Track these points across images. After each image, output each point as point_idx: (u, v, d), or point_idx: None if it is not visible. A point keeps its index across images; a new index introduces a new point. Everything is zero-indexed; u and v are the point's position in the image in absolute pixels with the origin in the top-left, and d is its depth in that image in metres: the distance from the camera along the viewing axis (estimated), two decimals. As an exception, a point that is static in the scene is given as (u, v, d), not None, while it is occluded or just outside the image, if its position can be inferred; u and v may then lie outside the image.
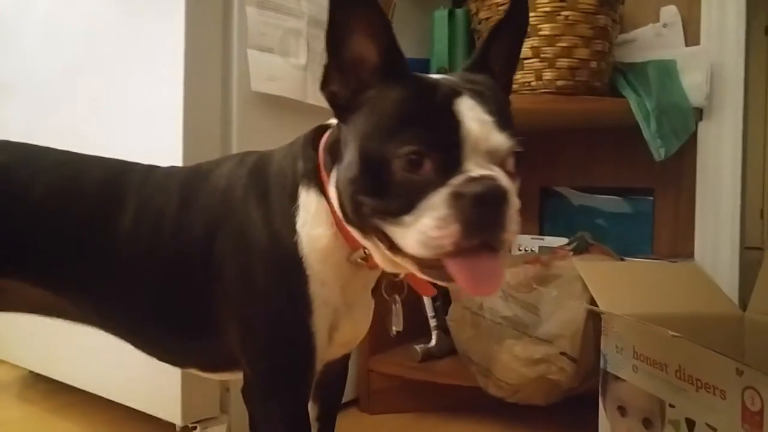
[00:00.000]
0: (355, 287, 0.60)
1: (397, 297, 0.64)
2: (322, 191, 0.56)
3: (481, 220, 0.46)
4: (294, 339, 0.57)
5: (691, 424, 0.70)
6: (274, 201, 0.58)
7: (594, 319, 0.92)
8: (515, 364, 0.97)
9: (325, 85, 0.53)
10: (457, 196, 0.45)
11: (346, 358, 0.69)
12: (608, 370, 0.87)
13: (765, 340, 0.86)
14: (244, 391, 0.60)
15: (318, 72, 0.53)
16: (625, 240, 1.21)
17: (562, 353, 0.94)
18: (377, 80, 0.51)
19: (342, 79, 0.52)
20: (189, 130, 0.88)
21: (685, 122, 1.04)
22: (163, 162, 0.69)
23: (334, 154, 0.54)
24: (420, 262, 0.49)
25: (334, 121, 0.59)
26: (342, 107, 0.53)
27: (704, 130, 1.06)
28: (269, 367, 0.58)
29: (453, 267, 0.47)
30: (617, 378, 0.84)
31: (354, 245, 0.56)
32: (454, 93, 0.49)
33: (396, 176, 0.47)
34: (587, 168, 1.29)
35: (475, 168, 0.47)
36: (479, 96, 0.49)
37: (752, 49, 1.08)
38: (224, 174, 0.62)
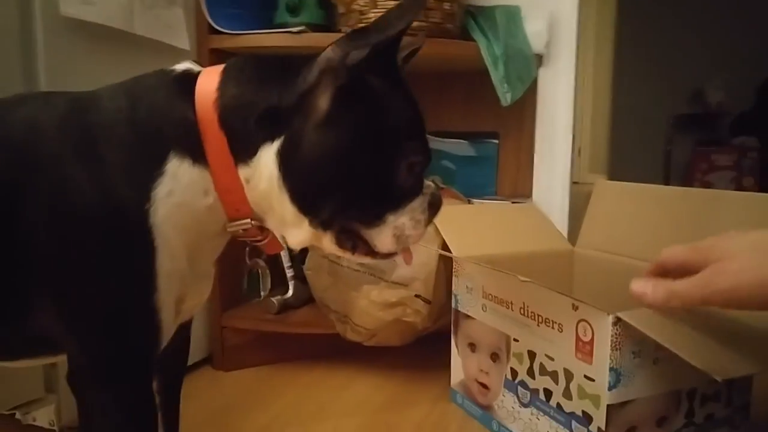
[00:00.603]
0: (207, 255, 0.54)
1: (261, 261, 0.59)
2: (201, 157, 0.48)
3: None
4: (136, 318, 0.49)
5: (532, 355, 0.75)
6: (114, 160, 0.47)
7: (445, 261, 0.94)
8: (372, 309, 0.97)
9: (354, 46, 0.47)
10: (430, 203, 0.54)
11: (187, 324, 0.62)
12: (459, 309, 0.90)
13: (590, 272, 0.95)
14: (72, 378, 0.50)
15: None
16: (471, 182, 1.25)
17: (417, 296, 0.95)
18: (372, 71, 0.49)
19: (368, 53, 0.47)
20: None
21: (529, 68, 1.07)
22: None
23: (268, 121, 0.48)
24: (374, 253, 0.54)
25: (200, 67, 0.51)
26: (349, 82, 0.48)
27: (543, 76, 1.10)
28: (107, 351, 0.49)
29: (405, 255, 0.56)
30: (468, 316, 0.88)
31: (236, 215, 0.51)
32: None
33: (399, 178, 0.51)
34: (437, 112, 1.29)
35: (427, 179, 0.55)
36: None
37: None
38: (21, 120, 0.49)
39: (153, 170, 0.48)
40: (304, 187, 0.49)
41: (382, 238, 0.52)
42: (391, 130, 0.50)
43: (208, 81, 0.50)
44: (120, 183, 0.47)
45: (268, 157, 0.48)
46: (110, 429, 0.50)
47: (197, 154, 0.48)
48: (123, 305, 0.48)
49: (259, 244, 0.55)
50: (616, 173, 1.14)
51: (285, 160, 0.48)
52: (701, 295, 0.50)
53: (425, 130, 0.53)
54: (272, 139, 0.48)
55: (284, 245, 0.57)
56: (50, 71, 0.75)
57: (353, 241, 0.52)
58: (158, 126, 0.48)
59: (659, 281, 0.53)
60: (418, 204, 0.52)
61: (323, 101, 0.48)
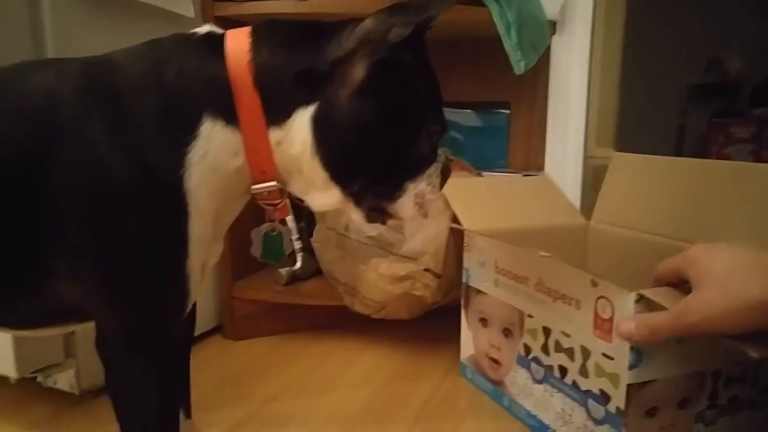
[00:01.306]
0: (227, 218, 0.52)
1: (287, 221, 0.57)
2: (233, 118, 0.46)
3: None
4: (169, 283, 0.47)
5: (547, 332, 0.70)
6: (143, 125, 0.44)
7: (456, 234, 0.88)
8: (381, 282, 0.92)
9: (394, 16, 0.45)
10: (443, 169, 0.54)
11: None
12: (471, 284, 0.85)
13: (605, 247, 0.90)
14: (102, 345, 0.49)
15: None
16: (481, 153, 1.19)
17: (426, 269, 0.90)
18: (406, 46, 0.47)
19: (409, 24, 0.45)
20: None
21: (542, 35, 1.00)
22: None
23: (303, 83, 0.46)
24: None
25: (222, 30, 0.49)
26: (387, 53, 0.46)
27: (557, 43, 1.03)
28: (140, 317, 0.47)
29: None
30: (479, 291, 0.83)
31: (261, 177, 0.49)
32: None
33: (420, 146, 0.51)
34: (445, 81, 1.21)
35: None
36: None
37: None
38: (36, 88, 0.45)
39: (186, 134, 0.45)
40: (338, 155, 0.48)
41: (406, 207, 0.52)
42: (417, 102, 0.50)
43: (239, 42, 0.47)
44: (151, 148, 0.45)
45: (302, 121, 0.47)
46: (141, 393, 0.48)
47: (229, 115, 0.46)
48: (157, 272, 0.46)
49: (275, 207, 0.53)
50: (625, 147, 1.07)
51: (320, 127, 0.47)
52: (677, 329, 0.52)
53: (442, 100, 0.53)
54: (307, 104, 0.47)
55: (290, 212, 0.55)
56: (57, 39, 0.72)
57: (382, 217, 0.54)
58: (190, 88, 0.46)
59: (641, 318, 0.55)
60: (434, 170, 0.53)
61: (359, 71, 0.46)
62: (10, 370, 0.76)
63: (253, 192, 0.50)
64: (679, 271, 0.54)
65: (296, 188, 0.52)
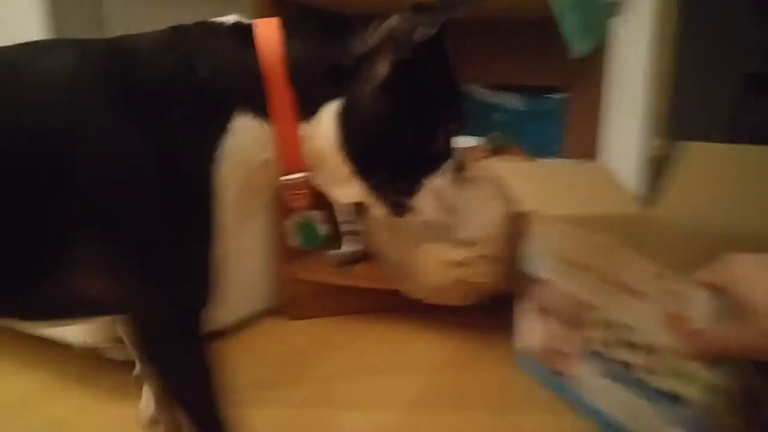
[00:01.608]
0: (250, 209, 0.52)
1: (311, 212, 0.56)
2: (264, 112, 0.46)
3: None
4: (200, 272, 0.47)
5: (611, 324, 0.67)
6: (172, 119, 0.44)
7: (514, 220, 0.86)
8: (434, 268, 0.91)
9: (418, 16, 0.45)
10: (457, 165, 0.53)
11: None
12: (531, 272, 0.83)
13: (666, 239, 0.86)
14: (143, 338, 0.48)
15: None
16: (534, 139, 1.15)
17: (482, 256, 0.88)
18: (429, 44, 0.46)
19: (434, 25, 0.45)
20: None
21: (603, 17, 0.95)
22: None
23: (331, 79, 0.47)
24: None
25: (238, 18, 0.48)
26: (409, 52, 0.46)
27: (618, 26, 0.98)
28: (178, 304, 0.47)
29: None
30: (539, 280, 0.81)
31: (291, 169, 0.49)
32: None
33: (438, 142, 0.51)
34: (496, 64, 1.17)
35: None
36: None
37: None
38: (54, 73, 0.43)
39: (218, 129, 0.45)
40: (360, 150, 0.48)
41: (425, 203, 0.52)
42: (438, 99, 0.50)
43: (270, 35, 0.47)
44: (181, 142, 0.44)
45: (328, 116, 0.47)
46: (198, 379, 0.49)
47: (260, 109, 0.46)
48: (189, 260, 0.47)
49: (300, 196, 0.52)
50: (677, 136, 1.02)
51: (343, 121, 0.47)
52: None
53: (461, 97, 0.53)
54: (333, 98, 0.47)
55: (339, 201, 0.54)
56: (117, 15, 0.74)
57: (403, 211, 0.53)
58: (223, 82, 0.45)
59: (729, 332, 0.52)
60: (450, 166, 0.53)
61: (382, 68, 0.46)
62: (74, 338, 0.78)
63: (283, 183, 0.50)
64: (722, 283, 0.51)
65: (320, 181, 0.52)
